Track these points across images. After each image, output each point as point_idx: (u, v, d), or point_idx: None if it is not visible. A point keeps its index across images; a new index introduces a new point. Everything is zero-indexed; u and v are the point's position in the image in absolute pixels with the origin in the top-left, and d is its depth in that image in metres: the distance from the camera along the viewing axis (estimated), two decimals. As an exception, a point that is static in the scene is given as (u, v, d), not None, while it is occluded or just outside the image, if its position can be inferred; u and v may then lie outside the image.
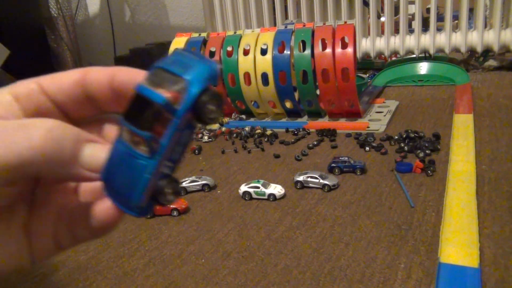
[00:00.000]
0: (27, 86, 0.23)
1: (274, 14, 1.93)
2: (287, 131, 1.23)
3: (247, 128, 1.22)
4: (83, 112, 0.24)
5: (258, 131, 1.20)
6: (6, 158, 0.19)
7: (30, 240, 0.23)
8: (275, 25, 1.92)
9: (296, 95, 1.29)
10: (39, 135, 0.20)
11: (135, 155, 0.21)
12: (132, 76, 0.22)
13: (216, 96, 0.21)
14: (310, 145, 1.07)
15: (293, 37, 1.24)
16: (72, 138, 0.21)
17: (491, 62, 1.79)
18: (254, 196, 0.81)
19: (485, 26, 1.70)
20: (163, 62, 0.21)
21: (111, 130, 0.24)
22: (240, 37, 1.32)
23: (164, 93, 0.20)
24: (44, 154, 0.19)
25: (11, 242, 0.22)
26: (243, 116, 1.39)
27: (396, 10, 1.80)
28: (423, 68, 1.67)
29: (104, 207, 0.22)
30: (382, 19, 1.86)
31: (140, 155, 0.20)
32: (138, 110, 0.20)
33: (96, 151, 0.22)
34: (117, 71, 0.23)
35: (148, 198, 0.21)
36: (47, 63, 2.24)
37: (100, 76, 0.23)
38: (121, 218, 0.23)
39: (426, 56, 1.80)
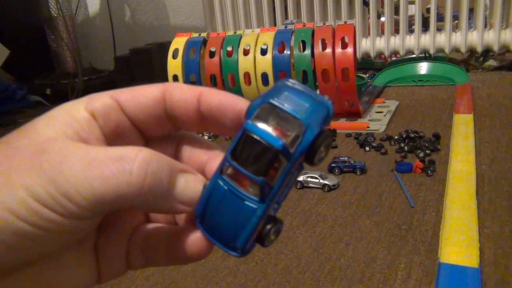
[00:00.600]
0: (104, 102, 0.21)
1: (274, 14, 1.93)
2: (287, 131, 1.23)
3: (247, 128, 1.22)
4: (160, 131, 0.23)
5: (258, 131, 1.20)
6: (103, 194, 0.18)
7: (98, 260, 0.22)
8: (275, 25, 1.92)
9: (296, 95, 1.29)
10: (138, 169, 0.18)
11: (242, 196, 0.19)
12: (224, 100, 0.21)
13: (328, 137, 0.19)
14: (310, 145, 1.07)
15: (293, 37, 1.24)
16: (168, 169, 0.19)
17: (491, 62, 1.79)
18: (254, 196, 0.81)
19: (485, 26, 1.70)
20: (272, 96, 0.19)
21: (189, 151, 0.23)
22: (240, 37, 1.32)
23: (279, 135, 0.19)
24: (143, 189, 0.18)
25: (81, 265, 0.22)
26: (243, 116, 1.39)
27: (396, 10, 1.80)
28: (423, 68, 1.67)
29: (195, 239, 0.21)
30: (382, 19, 1.86)
31: (248, 198, 0.19)
32: (248, 151, 0.19)
33: (191, 183, 0.20)
34: (205, 93, 0.21)
35: (253, 240, 0.20)
36: (47, 63, 2.24)
37: (187, 96, 0.21)
38: (211, 251, 0.22)
39: (426, 56, 1.80)
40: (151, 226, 0.23)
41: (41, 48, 2.22)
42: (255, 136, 0.19)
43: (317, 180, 0.83)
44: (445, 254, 0.59)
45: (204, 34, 1.40)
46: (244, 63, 1.28)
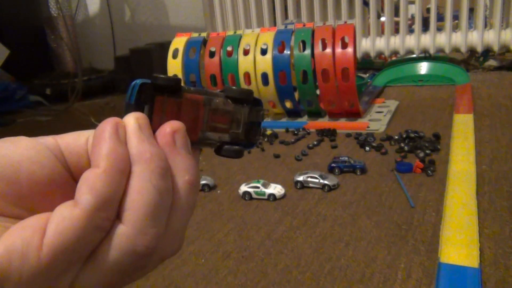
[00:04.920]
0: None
1: (274, 14, 1.93)
2: (287, 131, 1.23)
3: (247, 128, 1.22)
4: None
5: (258, 131, 1.20)
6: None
7: None
8: (275, 25, 1.92)
9: (296, 95, 1.29)
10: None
11: None
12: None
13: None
14: (310, 145, 1.07)
15: (293, 37, 1.24)
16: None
17: (491, 62, 1.80)
18: (254, 196, 0.81)
19: (485, 26, 1.70)
20: None
21: None
22: (240, 37, 1.32)
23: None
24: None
25: None
26: (243, 116, 1.39)
27: (396, 10, 1.80)
28: (423, 68, 1.67)
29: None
30: (382, 19, 1.86)
31: None
32: None
33: None
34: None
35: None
36: (47, 63, 2.24)
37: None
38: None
39: (426, 56, 1.80)
40: None
41: (41, 48, 2.22)
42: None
43: (317, 180, 0.83)
44: (445, 254, 0.59)
45: (204, 34, 1.40)
46: (244, 63, 1.28)
